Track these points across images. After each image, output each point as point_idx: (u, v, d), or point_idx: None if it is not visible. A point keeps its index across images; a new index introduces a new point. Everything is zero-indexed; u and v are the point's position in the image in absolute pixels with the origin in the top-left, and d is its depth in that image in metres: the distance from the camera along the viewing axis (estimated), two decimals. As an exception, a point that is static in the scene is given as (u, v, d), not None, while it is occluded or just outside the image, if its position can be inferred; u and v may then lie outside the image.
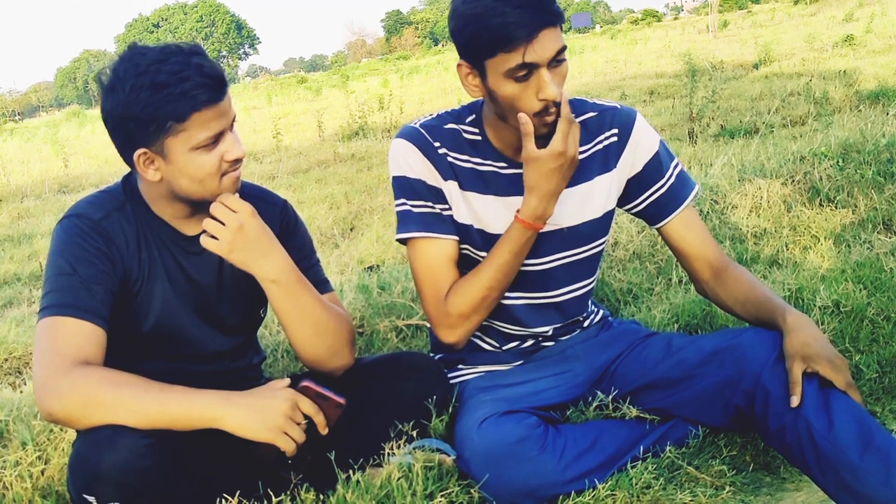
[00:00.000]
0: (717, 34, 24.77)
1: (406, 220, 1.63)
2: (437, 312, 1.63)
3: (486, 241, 1.63)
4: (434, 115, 1.69)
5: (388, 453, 1.57)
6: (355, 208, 6.53)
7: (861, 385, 1.96)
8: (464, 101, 1.74)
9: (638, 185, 1.71)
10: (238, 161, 1.49)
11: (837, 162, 3.47)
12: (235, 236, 1.47)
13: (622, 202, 1.74)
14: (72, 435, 1.81)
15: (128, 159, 1.47)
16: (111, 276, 1.47)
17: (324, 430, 1.45)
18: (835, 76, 9.61)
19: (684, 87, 9.04)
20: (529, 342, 1.77)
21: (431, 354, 1.87)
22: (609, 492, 1.53)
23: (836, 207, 3.21)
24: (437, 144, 1.64)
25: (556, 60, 1.45)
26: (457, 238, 1.65)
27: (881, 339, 2.11)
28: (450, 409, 1.71)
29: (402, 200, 1.64)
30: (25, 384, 2.43)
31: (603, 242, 1.74)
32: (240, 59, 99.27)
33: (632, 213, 1.77)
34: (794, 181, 3.40)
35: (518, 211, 1.54)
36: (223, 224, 1.47)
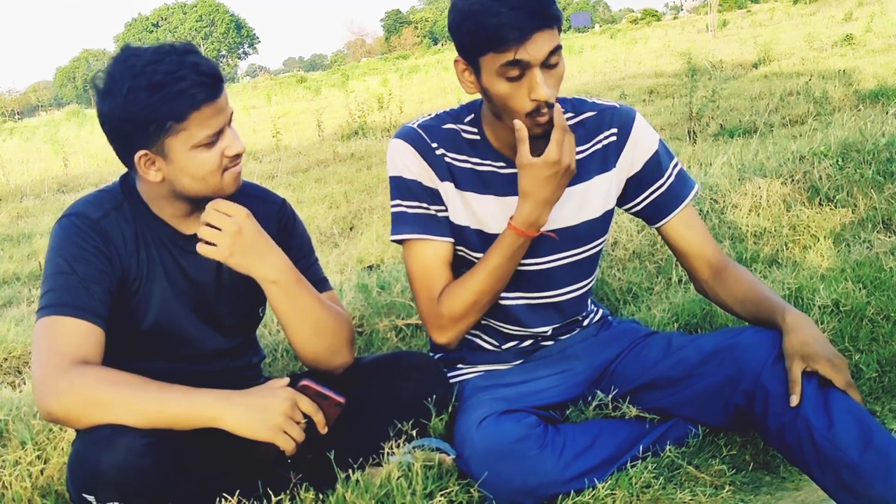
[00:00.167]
0: (716, 33, 24.76)
1: (401, 222, 1.64)
2: (429, 313, 1.63)
3: (484, 241, 1.63)
4: (432, 115, 1.69)
5: (388, 452, 1.57)
6: (355, 208, 6.53)
7: (861, 384, 1.96)
8: (463, 101, 1.74)
9: (637, 185, 1.71)
10: (238, 156, 1.49)
11: (837, 161, 3.47)
12: (234, 240, 1.46)
13: (621, 202, 1.74)
14: (71, 434, 1.81)
15: (127, 162, 1.47)
16: (109, 275, 1.47)
17: (323, 430, 1.45)
18: (834, 75, 9.61)
19: (684, 86, 9.04)
20: (529, 342, 1.77)
21: (431, 354, 1.87)
22: (608, 491, 1.53)
23: (835, 207, 3.21)
24: (434, 145, 1.64)
25: (550, 62, 1.45)
26: (451, 240, 1.65)
27: (881, 339, 2.11)
28: (449, 409, 1.71)
29: (398, 201, 1.64)
30: (25, 383, 2.43)
31: (602, 242, 1.73)
32: (239, 58, 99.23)
33: (631, 213, 1.77)
34: (793, 180, 3.40)
35: (511, 217, 1.54)
36: (219, 229, 1.46)
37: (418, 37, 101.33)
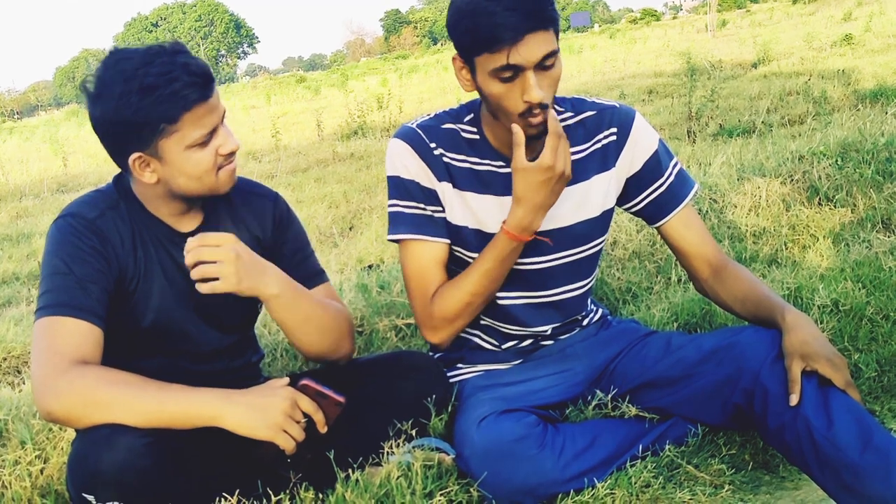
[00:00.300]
0: (715, 33, 24.75)
1: (397, 222, 1.65)
2: (422, 313, 1.65)
3: (483, 240, 1.63)
4: (432, 116, 1.69)
5: (388, 452, 1.57)
6: (354, 207, 6.53)
7: (860, 384, 1.96)
8: (462, 101, 1.74)
9: (637, 185, 1.71)
10: (233, 154, 1.49)
11: (836, 161, 3.47)
12: (237, 267, 1.44)
13: (621, 201, 1.74)
14: (71, 434, 1.81)
15: (122, 164, 1.48)
16: (106, 274, 1.47)
17: (323, 429, 1.45)
18: (833, 75, 9.61)
19: (683, 86, 9.04)
20: (528, 341, 1.77)
21: (430, 353, 1.87)
22: (608, 490, 1.53)
23: (834, 206, 3.21)
24: (433, 145, 1.64)
25: (545, 64, 1.44)
26: (447, 241, 1.66)
27: (880, 338, 2.11)
28: (449, 409, 1.71)
29: (395, 201, 1.65)
30: (24, 383, 2.43)
31: (601, 242, 1.73)
32: (238, 58, 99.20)
33: (631, 213, 1.77)
34: (792, 180, 3.40)
35: (504, 221, 1.54)
36: (216, 262, 1.43)
37: (418, 37, 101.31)
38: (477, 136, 1.65)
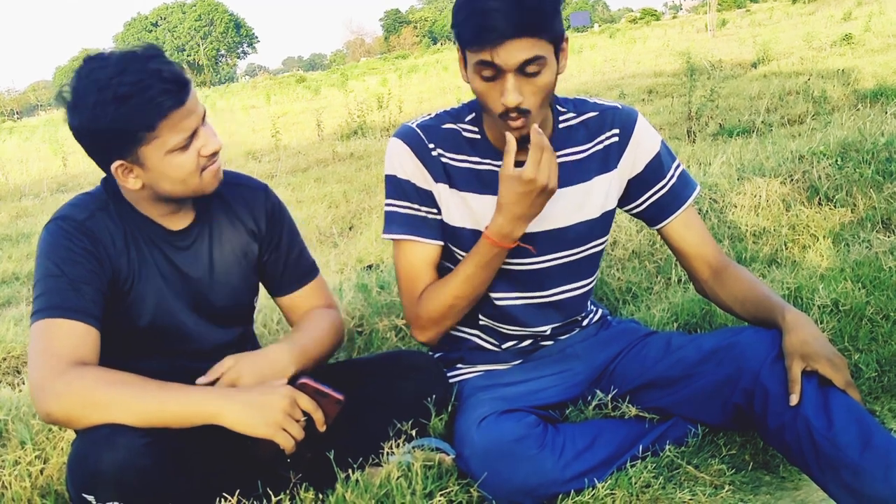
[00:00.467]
0: (715, 33, 24.74)
1: (391, 221, 1.66)
2: (410, 312, 1.68)
3: None
4: (432, 115, 1.69)
5: (388, 452, 1.57)
6: (354, 207, 6.53)
7: (860, 384, 1.96)
8: (463, 100, 1.74)
9: (638, 186, 1.71)
10: (215, 154, 1.49)
11: (836, 161, 3.47)
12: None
13: (623, 203, 1.74)
14: (71, 434, 1.81)
15: (106, 171, 1.48)
16: (100, 275, 1.47)
17: (322, 427, 1.45)
18: (833, 75, 9.60)
19: (683, 85, 9.04)
20: (528, 341, 1.77)
21: (430, 353, 1.87)
22: (608, 491, 1.53)
23: (834, 206, 3.21)
24: (431, 146, 1.64)
25: (527, 70, 1.43)
26: (440, 243, 1.67)
27: (880, 338, 2.11)
28: (449, 409, 1.71)
29: (391, 200, 1.67)
30: (24, 383, 2.43)
31: (602, 243, 1.73)
32: (238, 58, 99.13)
33: (632, 214, 1.77)
34: (792, 180, 3.40)
35: (486, 227, 1.54)
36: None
37: (417, 36, 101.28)
38: (478, 136, 1.65)
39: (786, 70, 11.44)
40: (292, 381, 1.46)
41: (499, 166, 1.64)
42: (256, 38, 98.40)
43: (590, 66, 18.10)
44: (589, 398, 1.75)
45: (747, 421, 1.57)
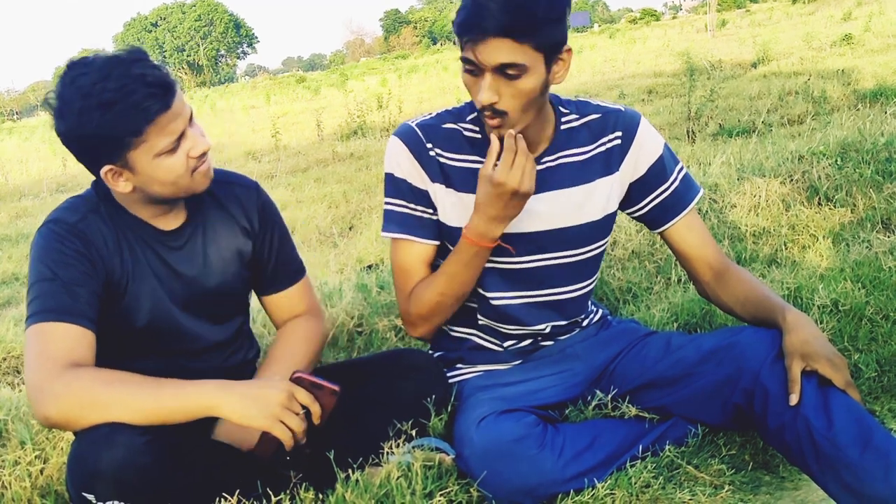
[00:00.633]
0: (715, 33, 24.74)
1: (388, 219, 1.69)
2: (402, 309, 1.71)
3: None
4: (434, 114, 1.69)
5: (388, 452, 1.57)
6: (354, 207, 6.54)
7: (860, 384, 1.96)
8: (463, 100, 1.74)
9: (641, 189, 1.70)
10: (205, 154, 1.49)
11: (836, 161, 3.47)
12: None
13: (625, 205, 1.74)
14: (70, 434, 1.81)
15: (96, 175, 1.48)
16: (93, 277, 1.47)
17: (318, 420, 1.44)
18: (833, 75, 9.61)
19: (683, 86, 9.04)
20: (528, 341, 1.77)
21: (430, 352, 1.87)
22: (608, 491, 1.53)
23: (834, 206, 3.21)
24: (429, 145, 1.64)
25: (507, 73, 1.43)
26: (434, 243, 1.68)
27: (880, 338, 2.11)
28: (448, 409, 1.71)
29: (388, 199, 1.69)
30: (24, 383, 2.43)
31: (603, 244, 1.73)
32: (238, 58, 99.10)
33: (634, 217, 1.76)
34: (792, 180, 3.40)
35: (465, 226, 1.56)
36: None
37: (417, 36, 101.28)
38: (479, 135, 1.65)
39: (786, 70, 11.45)
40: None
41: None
42: (256, 38, 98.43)
43: (589, 66, 18.10)
44: (589, 398, 1.75)
45: (747, 421, 1.57)
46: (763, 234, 3.07)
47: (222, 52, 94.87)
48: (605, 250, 1.77)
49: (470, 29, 1.41)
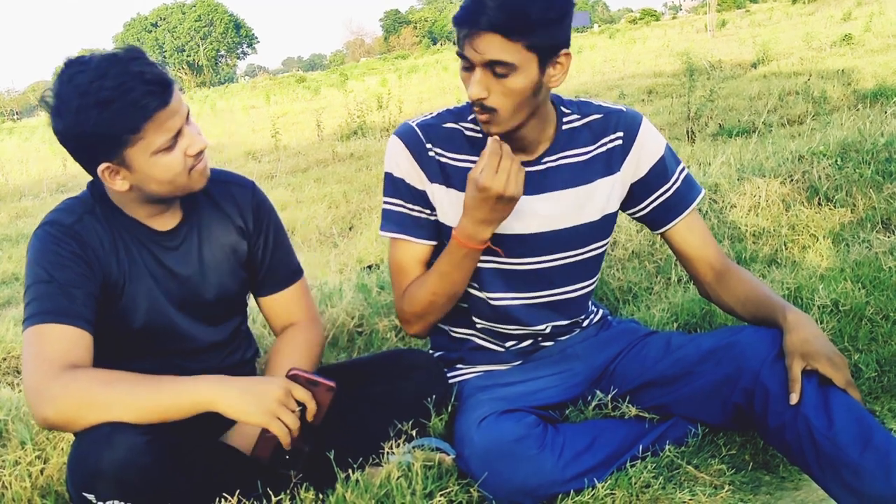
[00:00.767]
0: (715, 33, 24.75)
1: (386, 218, 1.70)
2: (398, 307, 1.72)
3: None
4: (435, 114, 1.69)
5: (388, 452, 1.57)
6: (354, 207, 6.54)
7: (860, 384, 1.96)
8: (464, 100, 1.74)
9: (642, 190, 1.70)
10: (201, 153, 1.49)
11: (836, 161, 3.47)
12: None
13: (626, 206, 1.74)
14: (71, 434, 1.81)
15: (92, 174, 1.47)
16: (90, 278, 1.47)
17: (312, 417, 1.44)
18: (833, 75, 9.62)
19: (682, 86, 9.05)
20: (528, 341, 1.77)
21: (431, 352, 1.87)
22: (608, 491, 1.53)
23: (834, 206, 3.21)
24: (429, 146, 1.64)
25: (496, 70, 1.44)
26: (430, 243, 1.68)
27: (880, 338, 2.11)
28: (449, 409, 1.71)
29: (386, 198, 1.70)
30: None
31: (603, 245, 1.73)
32: (238, 58, 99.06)
33: (635, 218, 1.76)
34: (792, 180, 3.40)
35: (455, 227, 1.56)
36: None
37: (417, 37, 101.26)
38: (480, 135, 1.65)
39: (785, 70, 11.45)
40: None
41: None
42: (256, 38, 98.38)
43: (589, 66, 18.10)
44: (589, 398, 1.75)
45: (747, 420, 1.57)
46: (763, 235, 3.07)
47: (222, 52, 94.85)
48: (605, 251, 1.77)
49: (464, 22, 1.43)
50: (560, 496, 1.51)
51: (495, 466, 1.48)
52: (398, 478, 1.50)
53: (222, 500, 1.44)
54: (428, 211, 1.67)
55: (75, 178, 10.42)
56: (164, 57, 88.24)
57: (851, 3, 25.14)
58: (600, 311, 1.91)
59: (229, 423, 1.56)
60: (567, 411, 1.76)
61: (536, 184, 1.63)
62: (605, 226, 1.70)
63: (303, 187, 7.65)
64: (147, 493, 1.29)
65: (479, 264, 1.65)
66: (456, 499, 1.53)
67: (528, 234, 1.64)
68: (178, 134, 1.44)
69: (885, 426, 1.65)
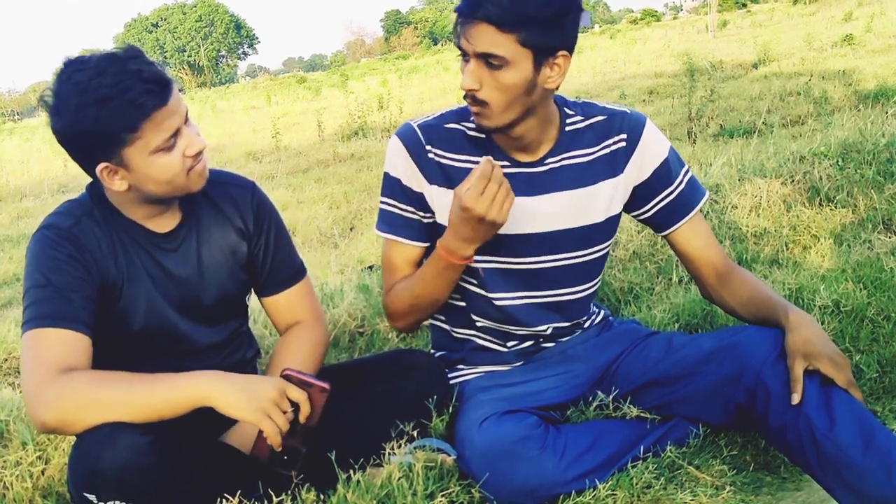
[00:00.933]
0: (716, 34, 24.77)
1: (380, 217, 1.72)
2: (384, 303, 1.75)
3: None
4: (437, 115, 1.69)
5: (389, 453, 1.57)
6: (355, 208, 6.55)
7: (861, 385, 1.96)
8: (462, 102, 1.74)
9: (646, 192, 1.70)
10: (200, 153, 1.49)
11: (837, 162, 3.47)
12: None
13: (630, 209, 1.73)
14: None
15: (91, 174, 1.47)
16: (87, 281, 1.46)
17: (305, 418, 1.43)
18: (834, 76, 9.62)
19: (683, 86, 9.05)
20: (530, 342, 1.77)
21: (432, 352, 1.87)
22: (609, 491, 1.53)
23: (835, 207, 3.21)
24: (428, 147, 1.64)
25: (490, 62, 1.44)
26: (421, 244, 1.70)
27: (881, 339, 2.11)
28: (450, 409, 1.71)
29: (383, 197, 1.72)
30: (25, 384, 2.43)
31: (605, 247, 1.72)
32: (239, 58, 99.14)
33: (639, 220, 1.76)
34: (793, 181, 3.40)
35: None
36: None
37: (418, 37, 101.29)
38: (482, 135, 1.64)
39: (787, 71, 11.46)
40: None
41: (502, 166, 1.63)
42: (257, 38, 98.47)
43: (590, 66, 18.11)
44: (590, 399, 1.75)
45: (749, 420, 1.57)
46: (764, 235, 3.07)
47: (223, 52, 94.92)
48: (608, 252, 1.76)
49: (462, 11, 1.44)
50: (561, 497, 1.51)
51: (496, 467, 1.48)
52: (399, 478, 1.50)
53: (223, 500, 1.44)
54: (422, 213, 1.67)
55: (76, 179, 10.43)
56: (165, 57, 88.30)
57: (852, 4, 25.15)
58: (601, 312, 1.91)
59: (229, 423, 1.56)
60: (568, 412, 1.76)
61: (539, 184, 1.63)
62: (607, 228, 1.70)
63: (303, 188, 7.65)
64: (148, 493, 1.29)
65: (480, 264, 1.65)
66: (457, 499, 1.53)
67: (530, 233, 1.64)
68: (177, 134, 1.44)
69: (886, 426, 1.65)
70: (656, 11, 69.29)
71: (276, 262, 1.71)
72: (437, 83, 19.72)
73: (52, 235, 1.47)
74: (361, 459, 1.56)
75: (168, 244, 1.58)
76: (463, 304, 1.74)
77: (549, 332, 1.75)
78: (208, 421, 1.42)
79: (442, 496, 1.50)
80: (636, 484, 1.55)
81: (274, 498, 1.46)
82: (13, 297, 4.73)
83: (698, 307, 2.35)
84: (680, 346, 1.69)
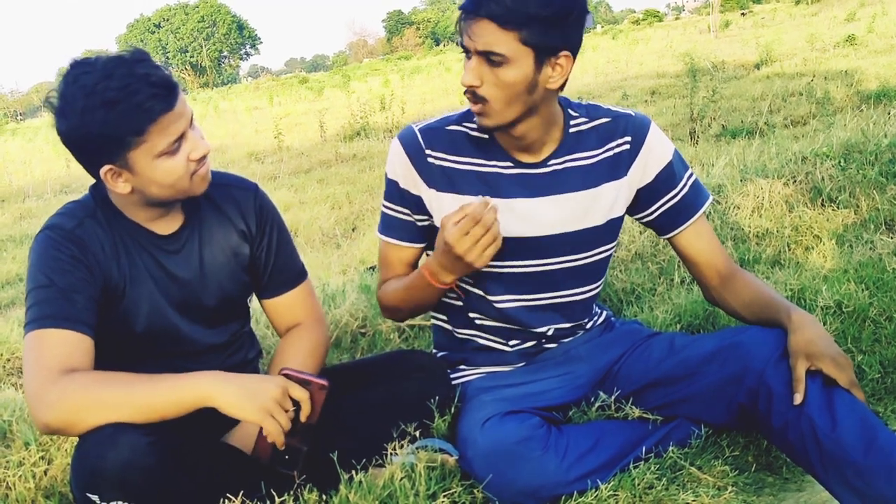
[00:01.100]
0: (718, 34, 24.75)
1: (381, 218, 1.76)
2: (377, 293, 1.79)
3: None
4: (439, 117, 1.69)
5: (391, 453, 1.57)
6: (357, 208, 6.55)
7: (864, 385, 1.96)
8: (465, 103, 1.74)
9: (649, 195, 1.70)
10: (204, 157, 1.49)
11: (839, 162, 3.46)
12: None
13: (633, 211, 1.73)
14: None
15: (94, 175, 1.48)
16: (90, 283, 1.47)
17: (305, 418, 1.43)
18: (836, 76, 9.61)
19: (685, 87, 9.04)
20: (532, 342, 1.77)
21: (434, 352, 1.87)
22: (611, 492, 1.53)
23: (838, 208, 3.20)
24: (428, 151, 1.64)
25: (491, 59, 1.44)
26: (415, 245, 1.73)
27: (883, 340, 2.11)
28: (452, 410, 1.71)
29: (383, 200, 1.74)
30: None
31: (608, 249, 1.72)
32: (241, 59, 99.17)
33: (643, 223, 1.76)
34: (795, 181, 3.39)
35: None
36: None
37: (420, 37, 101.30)
38: (485, 136, 1.64)
39: (789, 71, 11.45)
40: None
41: (505, 167, 1.63)
42: (259, 39, 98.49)
43: (592, 67, 18.10)
44: (592, 399, 1.75)
45: (751, 420, 1.57)
46: (766, 236, 3.07)
47: (225, 53, 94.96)
48: (611, 255, 1.76)
49: (465, 8, 1.45)
50: (563, 497, 1.51)
51: (499, 468, 1.48)
52: (401, 479, 1.50)
53: (226, 500, 1.44)
54: (418, 216, 1.68)
55: (79, 180, 10.44)
56: (168, 58, 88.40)
57: (855, 4, 25.12)
58: (604, 313, 1.91)
59: (231, 424, 1.57)
60: (570, 413, 1.76)
61: (542, 186, 1.62)
62: (610, 230, 1.70)
63: (306, 188, 7.66)
64: (150, 493, 1.29)
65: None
66: (459, 500, 1.53)
67: (531, 237, 1.63)
68: (182, 138, 1.44)
69: (888, 427, 1.64)
70: (658, 12, 69.25)
71: (277, 265, 1.71)
72: (439, 84, 19.71)
73: (56, 236, 1.47)
74: (363, 460, 1.56)
75: (170, 246, 1.58)
76: (461, 303, 1.74)
77: (549, 333, 1.75)
78: (210, 421, 1.42)
79: (444, 497, 1.50)
80: (638, 484, 1.55)
81: (276, 498, 1.46)
82: (16, 298, 4.74)
83: (700, 308, 2.35)
84: (682, 346, 1.69)
